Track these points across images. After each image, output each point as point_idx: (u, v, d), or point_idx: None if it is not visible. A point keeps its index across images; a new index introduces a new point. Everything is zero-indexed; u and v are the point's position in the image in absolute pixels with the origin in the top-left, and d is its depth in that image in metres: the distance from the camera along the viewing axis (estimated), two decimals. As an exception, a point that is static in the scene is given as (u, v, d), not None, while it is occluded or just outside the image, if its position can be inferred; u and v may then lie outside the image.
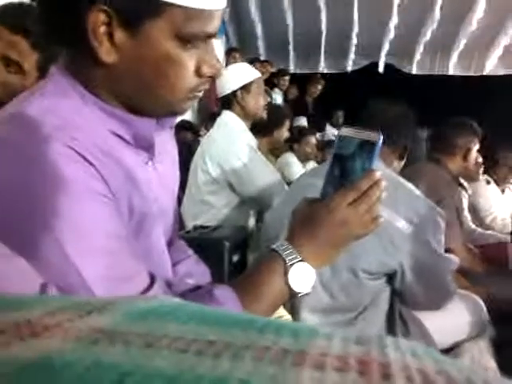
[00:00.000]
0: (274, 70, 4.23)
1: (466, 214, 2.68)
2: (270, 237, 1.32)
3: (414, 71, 4.50)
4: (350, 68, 4.57)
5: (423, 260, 1.16)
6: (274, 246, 0.65)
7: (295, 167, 2.96)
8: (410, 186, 1.27)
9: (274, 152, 2.77)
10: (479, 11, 3.57)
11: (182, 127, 2.86)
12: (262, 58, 4.51)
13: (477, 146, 2.01)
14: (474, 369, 0.14)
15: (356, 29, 4.04)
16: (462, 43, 4.09)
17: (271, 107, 2.02)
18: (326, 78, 4.54)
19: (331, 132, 4.92)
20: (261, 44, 4.69)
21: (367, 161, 0.64)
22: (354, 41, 4.21)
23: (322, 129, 4.59)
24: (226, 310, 0.62)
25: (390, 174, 1.32)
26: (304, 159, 3.09)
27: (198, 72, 0.60)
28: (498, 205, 3.14)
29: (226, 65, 2.93)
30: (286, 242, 0.65)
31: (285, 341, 0.15)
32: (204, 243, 1.34)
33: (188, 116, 3.78)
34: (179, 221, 0.92)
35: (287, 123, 2.31)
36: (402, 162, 1.47)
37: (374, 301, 1.18)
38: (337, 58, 4.59)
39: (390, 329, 1.20)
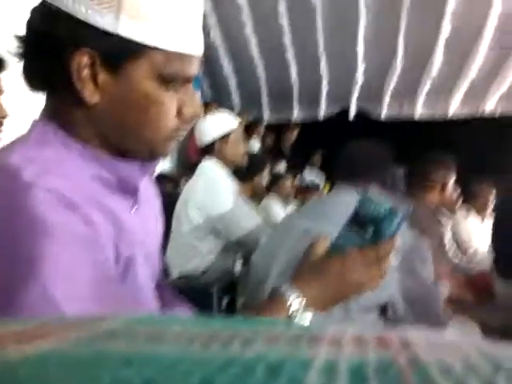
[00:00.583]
0: (249, 119, 4.36)
1: (450, 245, 2.71)
2: (259, 278, 1.30)
3: (383, 116, 4.69)
4: (322, 115, 4.73)
5: (414, 290, 1.16)
6: (280, 289, 0.66)
7: (277, 211, 2.98)
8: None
9: (254, 198, 2.79)
10: (438, 60, 3.80)
11: (162, 178, 2.87)
12: (237, 109, 4.65)
13: (453, 179, 2.08)
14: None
15: (326, 78, 4.23)
16: (425, 89, 4.31)
17: (250, 155, 2.06)
18: (303, 123, 4.69)
19: (309, 175, 5.01)
20: (235, 96, 4.84)
21: (390, 226, 0.65)
22: (325, 89, 4.40)
23: (300, 172, 4.67)
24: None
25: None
26: (283, 202, 3.13)
27: (178, 113, 0.61)
28: (478, 236, 3.19)
29: (203, 116, 3.00)
30: (293, 286, 0.66)
31: (296, 329, 0.14)
32: (191, 290, 1.31)
33: (167, 166, 3.81)
34: (165, 269, 0.91)
35: (267, 169, 2.35)
36: (382, 199, 1.50)
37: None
38: (309, 106, 4.76)
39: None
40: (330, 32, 3.68)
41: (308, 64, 4.06)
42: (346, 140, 1.53)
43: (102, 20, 0.54)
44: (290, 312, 0.63)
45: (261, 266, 1.37)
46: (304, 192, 3.46)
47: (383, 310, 1.15)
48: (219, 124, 1.76)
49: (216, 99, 4.49)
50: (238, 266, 1.76)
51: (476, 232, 3.19)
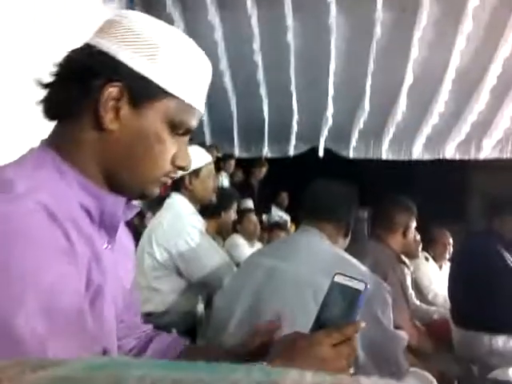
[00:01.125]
0: (219, 154, 4.38)
1: (411, 290, 2.75)
2: (220, 321, 1.27)
3: (351, 156, 4.82)
4: (291, 153, 4.82)
5: (374, 337, 1.15)
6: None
7: (243, 248, 2.96)
8: (356, 262, 1.29)
9: (221, 233, 2.76)
10: (402, 105, 3.98)
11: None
12: (208, 144, 4.67)
13: (414, 224, 2.13)
14: None
15: (296, 117, 4.33)
16: (390, 132, 4.48)
17: (219, 190, 2.06)
18: (271, 161, 4.75)
19: (276, 213, 5.03)
20: (206, 130, 4.88)
21: (353, 307, 0.72)
22: (295, 128, 4.50)
23: (267, 210, 4.69)
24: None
25: (336, 250, 1.35)
26: (248, 238, 3.11)
27: (172, 160, 0.70)
28: (438, 281, 3.26)
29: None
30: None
31: (256, 376, 0.15)
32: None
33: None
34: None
35: (235, 205, 2.34)
36: (347, 240, 1.51)
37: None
38: (279, 143, 4.85)
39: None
40: (302, 72, 3.80)
41: (280, 101, 4.16)
42: (312, 179, 1.55)
43: (137, 64, 0.64)
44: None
45: (223, 308, 1.33)
46: (270, 230, 3.46)
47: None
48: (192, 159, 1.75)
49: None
50: (200, 307, 1.71)
51: (435, 277, 3.26)
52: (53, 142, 0.65)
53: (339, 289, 0.75)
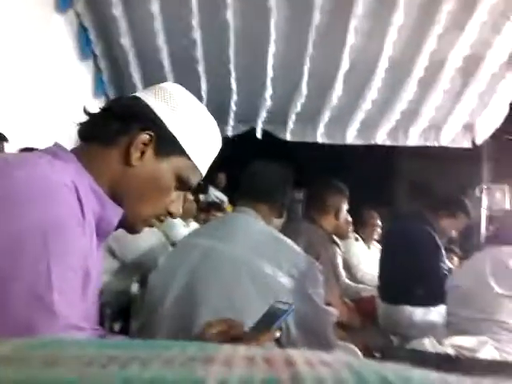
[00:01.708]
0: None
1: (341, 269, 2.89)
2: (155, 299, 1.26)
3: (288, 138, 4.89)
4: (230, 133, 4.80)
5: (305, 313, 1.20)
6: None
7: (179, 228, 2.93)
8: (290, 242, 1.33)
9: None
10: (338, 90, 4.08)
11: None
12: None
13: (346, 206, 2.22)
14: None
15: (235, 97, 4.31)
16: (326, 116, 4.59)
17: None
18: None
19: (213, 193, 5.02)
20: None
21: (277, 321, 0.90)
22: (233, 108, 4.47)
23: (205, 191, 4.66)
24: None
25: (271, 231, 1.38)
26: (185, 217, 3.09)
27: (167, 206, 0.86)
28: (366, 261, 3.45)
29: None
30: None
31: (191, 351, 0.15)
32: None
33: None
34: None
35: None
36: (281, 221, 1.55)
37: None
38: (218, 124, 4.80)
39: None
40: (242, 52, 3.77)
41: (218, 80, 4.10)
42: (250, 161, 1.56)
43: (169, 123, 0.82)
44: None
45: (158, 286, 1.32)
46: (207, 210, 3.46)
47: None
48: None
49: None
50: (134, 287, 1.68)
51: (364, 257, 3.45)
52: (76, 154, 0.78)
53: (272, 308, 0.95)
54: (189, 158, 0.84)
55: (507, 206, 5.38)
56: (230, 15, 3.35)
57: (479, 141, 4.78)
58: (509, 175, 5.45)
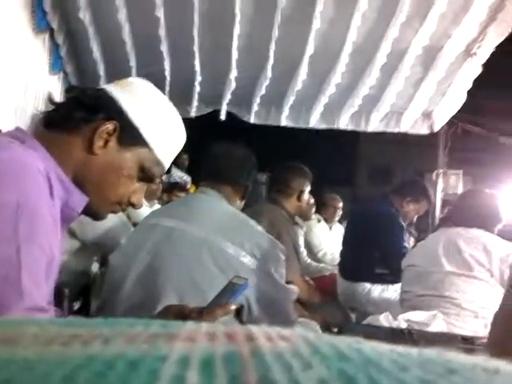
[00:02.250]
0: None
1: (303, 249, 2.95)
2: (116, 279, 1.25)
3: (252, 121, 4.88)
4: (193, 114, 4.74)
5: (267, 291, 1.23)
6: None
7: (142, 209, 2.89)
8: (252, 222, 1.35)
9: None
10: (302, 73, 4.10)
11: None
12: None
13: (308, 188, 2.27)
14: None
15: (199, 78, 4.24)
16: (290, 99, 4.61)
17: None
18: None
19: (176, 174, 4.96)
20: (103, 83, 4.57)
21: (233, 296, 0.94)
22: (197, 89, 4.41)
23: (168, 171, 4.61)
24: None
25: (234, 211, 1.40)
26: (147, 199, 3.05)
27: (128, 196, 0.91)
28: (327, 241, 3.55)
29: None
30: None
31: (154, 329, 0.16)
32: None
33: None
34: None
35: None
36: (243, 202, 1.57)
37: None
38: (181, 104, 4.71)
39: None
40: (206, 32, 3.70)
41: (182, 60, 4.02)
42: (213, 142, 1.56)
43: (134, 115, 0.86)
44: None
45: (119, 266, 1.31)
46: (170, 191, 3.43)
47: (237, 312, 1.20)
48: None
49: (82, 85, 4.17)
50: (95, 267, 1.66)
51: (325, 237, 3.55)
52: (40, 140, 0.79)
53: (230, 284, 0.97)
54: (151, 150, 0.89)
55: (461, 190, 5.63)
56: (194, -6, 3.28)
57: (437, 128, 4.94)
58: (464, 161, 5.69)
